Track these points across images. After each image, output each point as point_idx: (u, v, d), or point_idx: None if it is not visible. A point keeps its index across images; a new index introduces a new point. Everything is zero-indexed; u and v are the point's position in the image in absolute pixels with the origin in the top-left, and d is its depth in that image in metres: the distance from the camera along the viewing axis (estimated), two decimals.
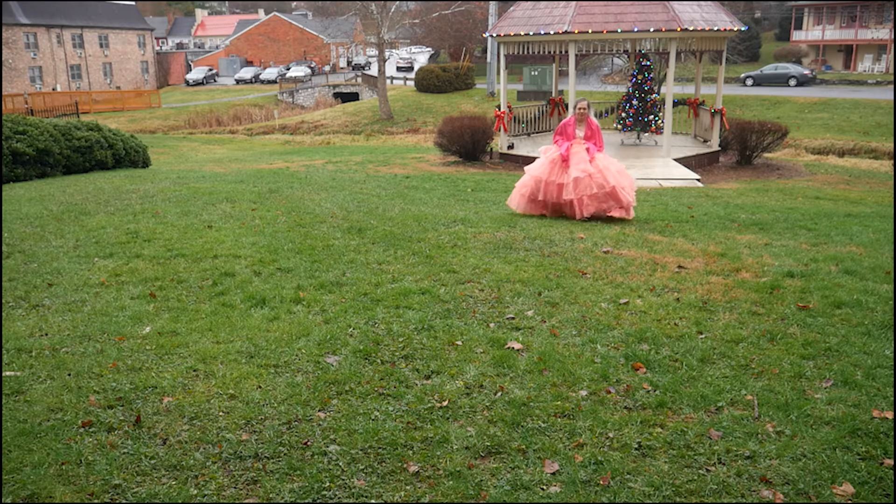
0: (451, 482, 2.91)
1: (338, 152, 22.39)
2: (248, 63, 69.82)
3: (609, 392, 3.66)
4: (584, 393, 3.66)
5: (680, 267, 5.88)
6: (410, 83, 47.15)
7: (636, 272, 5.72)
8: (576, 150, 8.09)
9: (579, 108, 8.31)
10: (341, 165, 16.37)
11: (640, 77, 16.58)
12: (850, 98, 34.53)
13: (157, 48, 73.07)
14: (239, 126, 41.16)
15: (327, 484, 2.90)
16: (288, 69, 62.07)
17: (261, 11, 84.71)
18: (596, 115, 21.90)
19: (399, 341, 4.29)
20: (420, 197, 9.69)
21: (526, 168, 8.47)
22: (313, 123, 39.45)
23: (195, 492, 2.84)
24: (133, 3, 67.14)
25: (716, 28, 14.78)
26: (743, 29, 15.90)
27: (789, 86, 41.54)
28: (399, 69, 59.55)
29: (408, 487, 2.89)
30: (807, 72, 43.17)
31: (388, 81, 44.23)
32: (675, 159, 15.12)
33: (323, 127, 38.30)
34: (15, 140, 11.58)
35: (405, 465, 3.02)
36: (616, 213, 8.10)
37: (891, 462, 2.99)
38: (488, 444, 3.18)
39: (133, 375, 3.79)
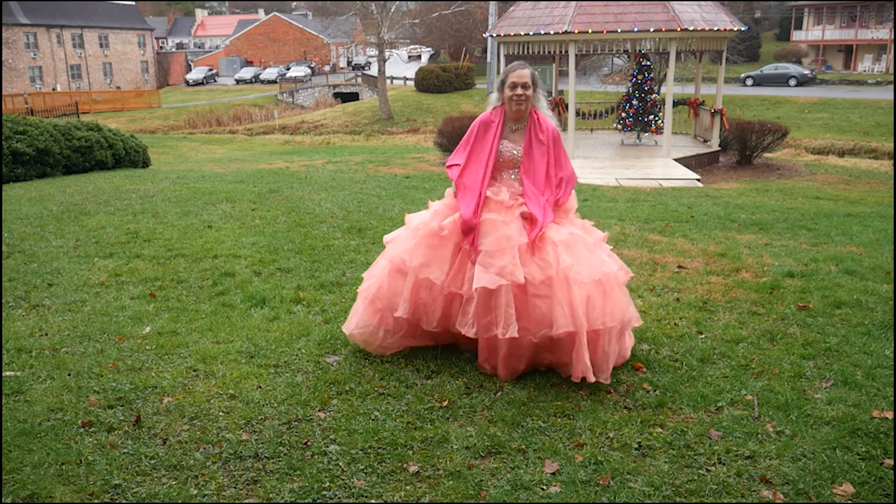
0: (451, 482, 2.91)
1: (338, 152, 22.38)
2: (248, 63, 69.77)
3: (609, 392, 3.67)
4: (584, 393, 3.66)
5: (680, 267, 5.88)
6: (410, 83, 47.14)
7: (636, 272, 5.71)
8: (490, 216, 3.73)
9: (514, 90, 3.78)
10: (341, 165, 16.37)
11: (640, 77, 16.58)
12: (850, 98, 34.55)
13: (158, 48, 73.06)
14: (239, 126, 41.11)
15: (327, 484, 2.90)
16: (288, 69, 62.02)
17: (261, 11, 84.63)
18: (595, 116, 20.83)
19: None
20: (420, 197, 9.68)
21: (387, 238, 4.28)
22: (313, 123, 39.42)
23: (195, 492, 2.84)
24: (133, 3, 67.13)
25: (716, 28, 14.78)
26: (743, 29, 15.90)
27: (789, 86, 41.54)
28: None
29: (408, 487, 2.89)
30: (807, 72, 43.19)
31: (388, 81, 44.20)
32: (675, 159, 15.13)
33: (323, 127, 38.27)
34: (15, 140, 11.58)
35: (405, 465, 3.02)
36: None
37: (891, 462, 2.99)
38: (488, 444, 3.18)
39: (133, 375, 3.79)
